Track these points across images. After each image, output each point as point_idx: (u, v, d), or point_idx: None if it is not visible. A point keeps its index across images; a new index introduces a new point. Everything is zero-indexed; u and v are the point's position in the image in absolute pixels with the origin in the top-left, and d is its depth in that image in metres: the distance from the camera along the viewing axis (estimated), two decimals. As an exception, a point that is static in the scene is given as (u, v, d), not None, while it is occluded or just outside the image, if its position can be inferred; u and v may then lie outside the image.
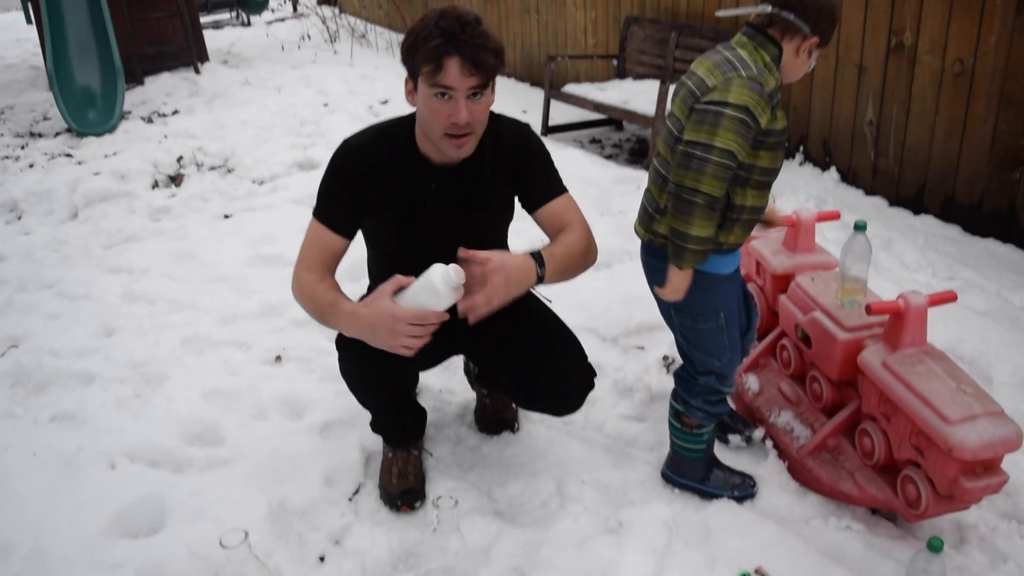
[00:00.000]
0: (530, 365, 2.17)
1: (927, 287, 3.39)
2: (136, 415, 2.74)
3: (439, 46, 1.86)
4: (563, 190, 2.20)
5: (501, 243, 2.34)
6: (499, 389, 2.52)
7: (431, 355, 2.34)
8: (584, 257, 2.14)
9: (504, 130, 2.15)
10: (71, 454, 2.49)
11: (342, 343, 2.15)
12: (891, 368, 2.01)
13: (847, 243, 2.22)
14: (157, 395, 2.85)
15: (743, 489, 2.28)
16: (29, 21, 11.79)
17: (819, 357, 2.30)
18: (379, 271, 2.33)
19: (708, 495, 2.29)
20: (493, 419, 2.58)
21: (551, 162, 2.21)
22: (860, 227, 2.19)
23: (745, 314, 2.22)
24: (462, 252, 1.92)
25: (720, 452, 2.40)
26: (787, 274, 2.54)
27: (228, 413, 2.73)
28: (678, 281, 1.97)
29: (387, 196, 2.10)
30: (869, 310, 2.05)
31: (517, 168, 2.16)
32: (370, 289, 2.36)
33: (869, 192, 4.48)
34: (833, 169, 4.66)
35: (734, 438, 2.51)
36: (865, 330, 2.20)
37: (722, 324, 2.09)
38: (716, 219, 1.88)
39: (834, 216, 2.62)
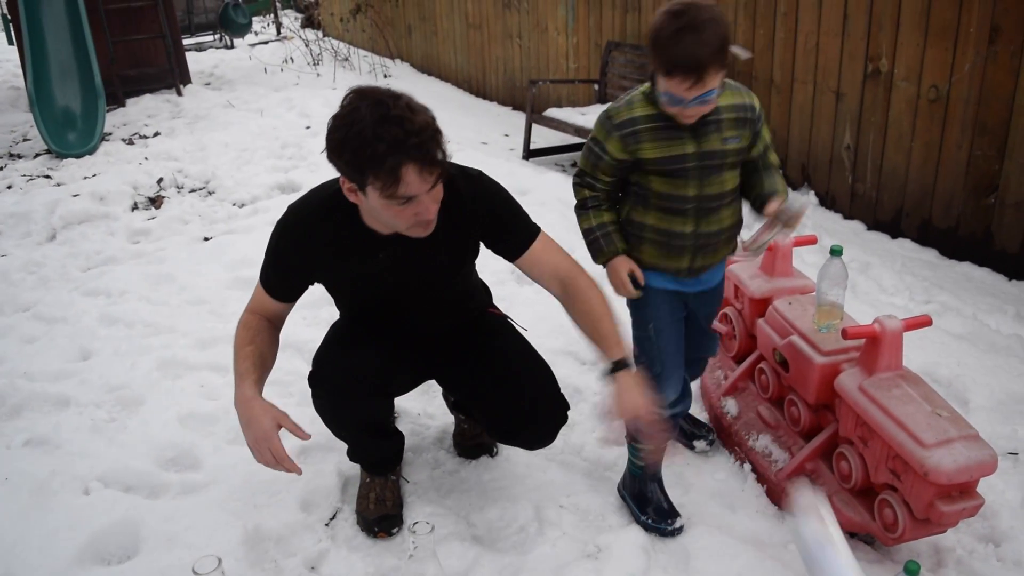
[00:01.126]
0: (501, 402, 2.16)
1: (904, 311, 3.42)
2: (111, 439, 2.71)
3: (393, 163, 1.71)
4: (536, 231, 2.14)
5: (468, 279, 2.32)
6: (474, 418, 2.52)
7: (405, 381, 2.34)
8: (603, 299, 2.08)
9: (460, 187, 2.01)
10: (44, 479, 2.45)
11: (315, 380, 2.16)
12: (867, 392, 2.02)
13: (823, 268, 2.24)
14: (133, 419, 2.83)
15: (658, 521, 2.23)
16: (11, 42, 11.76)
17: (797, 381, 2.31)
18: (343, 313, 2.34)
19: (634, 515, 2.29)
20: (471, 444, 2.57)
21: (516, 206, 2.14)
22: (836, 252, 2.21)
23: (693, 344, 2.27)
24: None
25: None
26: (765, 298, 2.55)
27: (204, 437, 2.70)
28: (608, 277, 2.13)
29: (333, 267, 2.08)
30: (845, 334, 2.06)
31: (487, 228, 2.10)
32: (341, 316, 2.35)
33: (847, 216, 4.53)
34: (812, 193, 4.71)
35: (699, 443, 2.57)
36: (842, 354, 2.21)
37: (651, 335, 2.17)
38: (588, 216, 2.10)
39: (812, 240, 2.64)
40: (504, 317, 2.40)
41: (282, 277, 2.12)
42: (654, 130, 1.95)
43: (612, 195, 2.11)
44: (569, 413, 2.26)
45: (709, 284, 2.20)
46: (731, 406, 2.63)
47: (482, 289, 2.44)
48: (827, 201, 4.65)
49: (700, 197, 2.00)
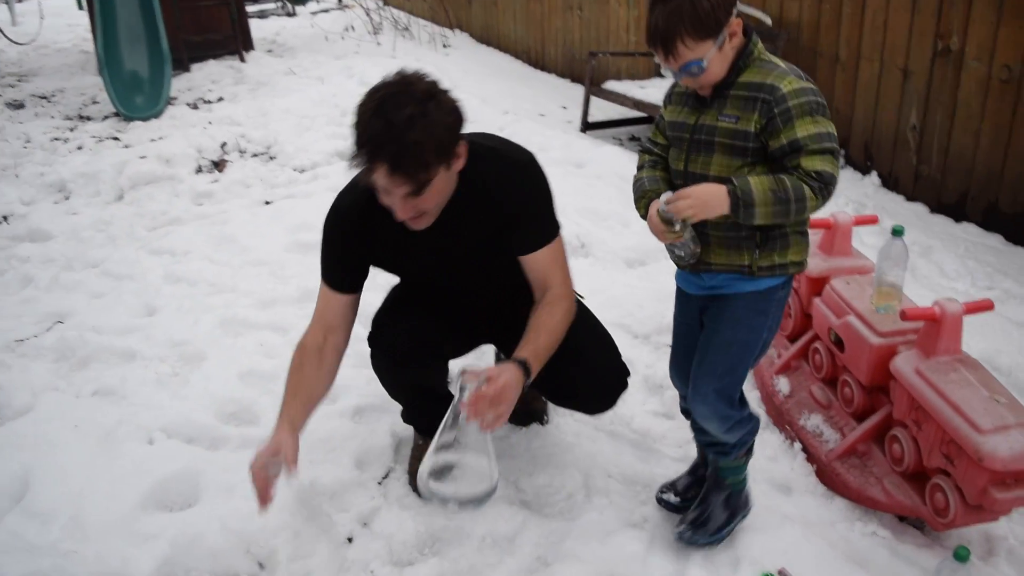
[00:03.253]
0: (562, 364, 2.17)
1: (965, 296, 3.35)
2: (174, 393, 2.81)
3: (366, 152, 1.77)
4: (549, 239, 2.08)
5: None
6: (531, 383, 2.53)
7: (461, 343, 2.38)
8: (564, 328, 2.07)
9: (489, 179, 2.00)
10: (111, 428, 2.56)
11: (374, 342, 2.21)
12: (924, 375, 2.00)
13: (884, 248, 2.21)
14: (195, 374, 2.92)
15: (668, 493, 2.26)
16: (80, 7, 12.02)
17: (851, 361, 2.30)
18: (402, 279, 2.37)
19: None
20: (522, 411, 2.59)
21: (541, 207, 2.09)
22: (898, 232, 2.19)
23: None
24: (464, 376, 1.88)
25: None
26: (822, 277, 2.53)
27: (263, 394, 2.78)
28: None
29: (383, 251, 2.12)
30: (904, 316, 2.04)
31: (501, 220, 2.05)
32: (400, 281, 2.38)
33: (910, 198, 4.43)
34: (874, 174, 4.61)
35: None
36: (899, 336, 2.19)
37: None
38: (639, 173, 2.01)
39: (872, 220, 2.60)
40: None
41: (340, 264, 2.16)
42: (680, 95, 1.92)
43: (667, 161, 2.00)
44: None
45: (717, 290, 1.96)
46: (783, 384, 2.62)
47: None
48: (890, 182, 4.55)
49: (686, 174, 1.87)
